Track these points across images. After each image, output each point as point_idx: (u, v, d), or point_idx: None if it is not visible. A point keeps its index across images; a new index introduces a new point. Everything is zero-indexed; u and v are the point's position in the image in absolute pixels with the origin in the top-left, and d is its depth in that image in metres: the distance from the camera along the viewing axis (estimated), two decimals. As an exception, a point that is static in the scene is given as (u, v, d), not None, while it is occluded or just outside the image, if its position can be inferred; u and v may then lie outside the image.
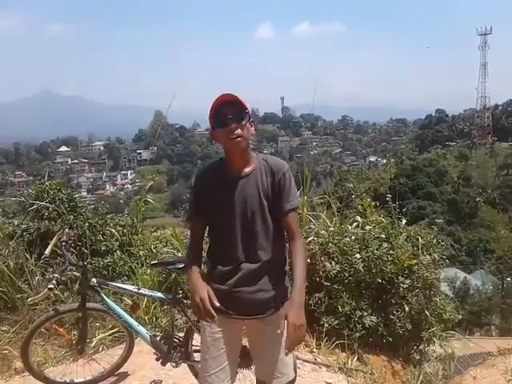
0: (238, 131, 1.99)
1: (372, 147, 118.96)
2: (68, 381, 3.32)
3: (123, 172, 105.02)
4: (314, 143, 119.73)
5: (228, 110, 1.99)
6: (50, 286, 2.67)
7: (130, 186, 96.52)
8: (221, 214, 2.08)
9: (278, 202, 2.07)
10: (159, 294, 3.14)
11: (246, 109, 2.05)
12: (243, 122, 2.02)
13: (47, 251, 2.99)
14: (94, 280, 2.98)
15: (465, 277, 29.33)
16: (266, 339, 2.17)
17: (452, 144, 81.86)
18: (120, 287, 3.08)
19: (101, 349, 3.89)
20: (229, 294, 2.07)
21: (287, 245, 2.12)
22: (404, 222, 4.92)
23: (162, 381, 3.36)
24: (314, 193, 5.58)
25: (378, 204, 5.21)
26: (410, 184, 53.83)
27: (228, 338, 2.14)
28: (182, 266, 2.84)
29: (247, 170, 2.09)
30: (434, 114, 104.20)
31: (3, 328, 4.20)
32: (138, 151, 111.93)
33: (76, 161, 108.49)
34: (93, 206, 5.85)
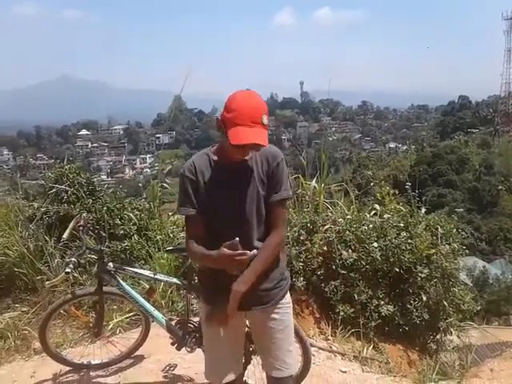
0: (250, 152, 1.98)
1: (392, 133, 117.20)
2: (85, 362, 3.38)
3: (142, 156, 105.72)
4: (333, 129, 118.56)
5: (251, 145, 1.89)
6: (67, 270, 2.69)
7: (148, 170, 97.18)
8: (216, 205, 2.01)
9: (271, 191, 2.03)
10: (175, 280, 3.15)
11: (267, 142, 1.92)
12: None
13: (65, 235, 3.02)
14: (110, 264, 3.01)
15: (484, 266, 28.94)
16: (268, 330, 2.13)
17: (475, 131, 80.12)
18: (136, 272, 3.10)
19: (118, 331, 3.94)
20: (228, 286, 1.97)
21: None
22: (423, 210, 4.84)
23: (177, 365, 3.39)
24: (332, 179, 5.52)
25: (397, 192, 5.13)
26: (430, 171, 53.03)
27: (231, 332, 2.09)
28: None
29: (243, 158, 2.02)
30: (456, 101, 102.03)
31: (23, 309, 4.29)
32: (157, 135, 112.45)
33: (96, 144, 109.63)
34: (112, 190, 5.89)
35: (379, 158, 62.08)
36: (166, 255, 4.60)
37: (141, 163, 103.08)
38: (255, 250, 1.92)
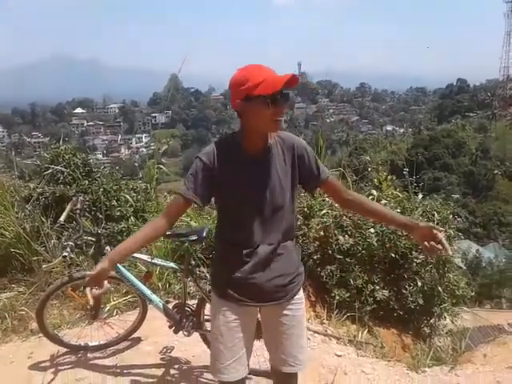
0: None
1: (390, 116, 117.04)
2: (82, 344, 3.39)
3: (138, 135, 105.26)
4: (331, 111, 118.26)
5: (283, 90, 1.81)
6: (65, 253, 2.68)
7: (144, 150, 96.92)
8: (236, 195, 1.92)
9: (311, 177, 2.02)
10: (172, 264, 3.14)
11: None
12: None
13: (62, 218, 2.99)
14: (107, 248, 3.00)
15: (477, 249, 29.20)
16: (281, 325, 2.07)
17: (472, 115, 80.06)
18: (134, 256, 3.08)
19: (115, 313, 3.97)
20: (243, 280, 1.95)
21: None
22: (420, 196, 4.85)
23: (174, 347, 3.41)
24: (329, 161, 5.49)
25: (394, 178, 5.13)
26: (426, 155, 53.08)
27: (242, 328, 2.03)
28: (194, 238, 2.83)
29: (265, 148, 1.94)
30: (455, 84, 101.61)
31: (20, 289, 4.29)
32: (153, 115, 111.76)
33: (91, 123, 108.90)
34: (108, 169, 5.86)
35: (376, 141, 61.98)
36: (162, 238, 4.60)
37: (137, 142, 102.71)
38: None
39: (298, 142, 2.01)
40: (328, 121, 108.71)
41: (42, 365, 3.27)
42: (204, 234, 2.85)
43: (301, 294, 2.12)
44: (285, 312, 2.05)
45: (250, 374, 2.81)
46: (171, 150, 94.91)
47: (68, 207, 3.05)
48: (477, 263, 27.16)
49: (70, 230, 4.44)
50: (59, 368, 3.22)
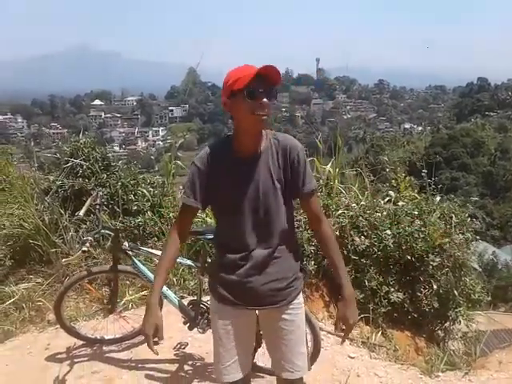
0: (266, 110, 1.82)
1: (408, 114, 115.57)
2: (98, 337, 3.45)
3: (155, 128, 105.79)
4: (348, 107, 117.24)
5: (262, 84, 1.79)
6: (84, 248, 2.72)
7: (161, 143, 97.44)
8: (229, 198, 1.92)
9: (294, 185, 1.94)
10: (189, 262, 3.16)
11: (279, 84, 1.84)
12: (272, 101, 1.83)
13: (81, 213, 3.03)
14: (126, 244, 3.03)
15: (494, 251, 28.79)
16: (279, 331, 2.05)
17: (492, 114, 78.62)
18: (151, 252, 3.12)
19: (130, 306, 4.02)
20: (239, 284, 1.95)
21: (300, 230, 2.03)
22: (438, 198, 4.79)
23: (188, 343, 3.45)
24: (345, 159, 5.44)
25: (411, 178, 5.08)
26: (444, 154, 52.36)
27: (240, 330, 2.04)
28: (211, 236, 2.84)
29: (258, 149, 1.91)
30: (475, 82, 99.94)
31: (38, 280, 4.37)
32: (170, 108, 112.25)
33: (109, 115, 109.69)
34: (125, 161, 5.90)
35: (393, 139, 61.33)
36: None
37: (153, 135, 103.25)
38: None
39: (292, 143, 1.95)
40: (345, 117, 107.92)
41: (59, 356, 3.34)
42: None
43: (300, 298, 2.10)
44: (283, 316, 2.03)
45: (259, 371, 2.83)
46: (187, 143, 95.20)
47: (88, 202, 3.09)
48: (493, 265, 26.78)
49: (88, 223, 4.51)
50: (75, 360, 3.29)
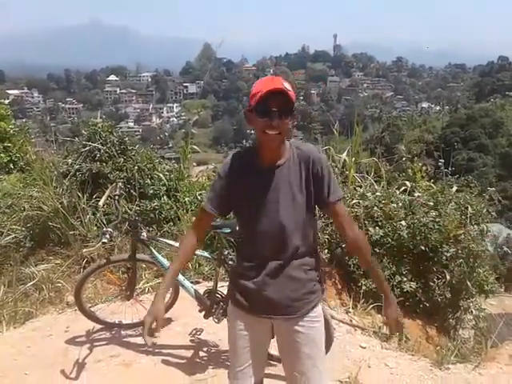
0: (277, 129, 1.81)
1: (426, 93, 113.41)
2: (117, 322, 3.55)
3: (169, 105, 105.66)
4: (365, 85, 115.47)
5: (274, 102, 1.78)
6: (104, 240, 2.78)
7: (175, 119, 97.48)
8: (248, 208, 1.94)
9: (318, 196, 1.93)
10: (206, 254, 3.21)
11: (294, 103, 1.82)
12: (287, 120, 1.82)
13: (101, 203, 3.10)
14: (144, 234, 3.09)
15: (508, 233, 28.49)
16: (293, 343, 2.01)
17: (512, 94, 76.85)
18: (168, 243, 3.17)
19: (147, 290, 4.12)
20: (255, 292, 1.95)
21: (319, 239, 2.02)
22: (454, 189, 4.76)
23: (203, 330, 3.53)
24: (360, 138, 5.39)
25: (428, 167, 5.04)
26: (462, 134, 51.46)
27: (254, 337, 2.04)
28: (228, 231, 2.88)
29: (280, 161, 1.91)
30: (496, 61, 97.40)
31: (57, 261, 4.48)
32: (185, 84, 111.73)
33: (124, 91, 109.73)
34: (143, 150, 5.91)
35: (410, 118, 60.41)
36: (193, 218, 4.68)
37: (168, 112, 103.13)
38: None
39: (314, 154, 1.93)
40: (361, 95, 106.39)
41: (78, 339, 3.45)
42: (237, 227, 2.90)
43: (317, 311, 2.05)
44: (296, 328, 2.00)
45: (271, 359, 2.87)
46: (201, 120, 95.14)
47: (107, 192, 3.15)
48: (507, 247, 26.54)
49: (106, 207, 4.57)
50: (94, 344, 3.39)
